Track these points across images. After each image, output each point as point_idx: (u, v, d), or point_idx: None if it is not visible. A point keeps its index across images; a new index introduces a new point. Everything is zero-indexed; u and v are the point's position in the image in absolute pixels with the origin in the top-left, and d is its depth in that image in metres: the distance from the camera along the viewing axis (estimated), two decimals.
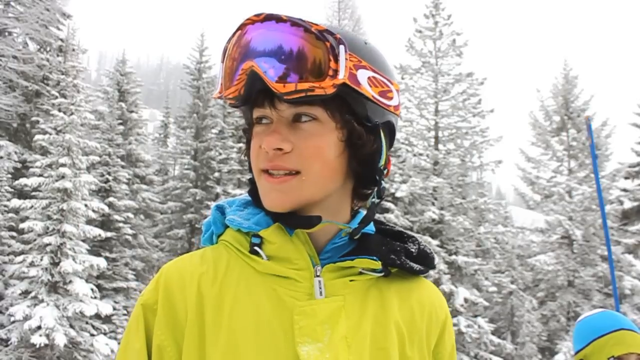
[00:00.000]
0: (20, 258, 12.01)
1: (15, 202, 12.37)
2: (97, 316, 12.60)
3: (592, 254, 17.31)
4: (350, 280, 0.87)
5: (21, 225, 12.26)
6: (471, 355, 14.94)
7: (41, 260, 11.82)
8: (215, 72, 23.80)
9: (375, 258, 0.87)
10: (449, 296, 14.45)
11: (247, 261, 0.88)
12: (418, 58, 17.20)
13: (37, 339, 10.88)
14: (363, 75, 0.82)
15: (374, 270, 0.88)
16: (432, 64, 17.01)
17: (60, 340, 11.02)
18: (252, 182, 0.91)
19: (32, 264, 11.84)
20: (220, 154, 20.82)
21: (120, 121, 19.21)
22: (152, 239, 19.83)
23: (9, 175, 13.37)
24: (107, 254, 16.43)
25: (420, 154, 16.83)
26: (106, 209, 14.50)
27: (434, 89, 16.98)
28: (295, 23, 0.79)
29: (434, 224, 15.85)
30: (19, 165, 14.08)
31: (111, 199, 17.23)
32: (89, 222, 13.93)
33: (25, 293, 11.85)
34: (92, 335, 12.56)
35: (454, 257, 15.38)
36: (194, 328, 0.84)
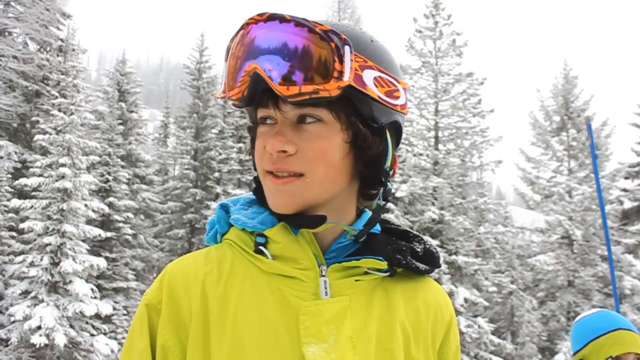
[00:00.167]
0: (20, 258, 12.02)
1: (15, 202, 12.38)
2: (97, 316, 12.62)
3: (592, 254, 17.32)
4: (356, 280, 0.86)
5: (21, 225, 12.27)
6: (471, 355, 14.93)
7: (41, 260, 11.83)
8: (216, 72, 23.89)
9: (381, 258, 0.86)
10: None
11: (251, 260, 0.87)
12: (418, 58, 17.21)
13: (37, 339, 10.88)
14: (369, 76, 0.81)
15: (379, 270, 0.87)
16: (432, 64, 17.00)
17: (60, 340, 11.02)
18: (257, 181, 0.91)
19: (32, 264, 11.85)
20: (220, 154, 20.81)
21: (120, 121, 19.23)
22: (152, 239, 19.84)
23: (9, 175, 13.37)
24: (107, 254, 16.44)
25: (420, 154, 16.83)
26: (106, 209, 14.51)
27: (434, 89, 16.98)
28: (299, 23, 0.78)
29: (434, 224, 15.84)
30: (19, 165, 14.08)
31: (111, 199, 17.24)
32: (89, 222, 13.94)
33: (25, 293, 11.86)
34: (92, 335, 12.56)
35: (454, 257, 15.38)
36: (198, 328, 0.83)
